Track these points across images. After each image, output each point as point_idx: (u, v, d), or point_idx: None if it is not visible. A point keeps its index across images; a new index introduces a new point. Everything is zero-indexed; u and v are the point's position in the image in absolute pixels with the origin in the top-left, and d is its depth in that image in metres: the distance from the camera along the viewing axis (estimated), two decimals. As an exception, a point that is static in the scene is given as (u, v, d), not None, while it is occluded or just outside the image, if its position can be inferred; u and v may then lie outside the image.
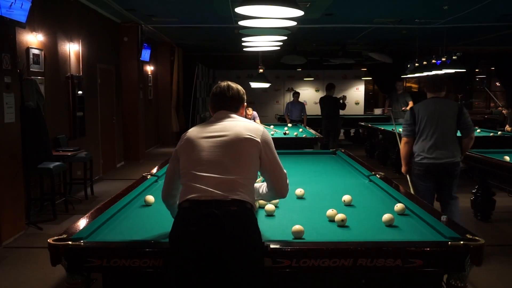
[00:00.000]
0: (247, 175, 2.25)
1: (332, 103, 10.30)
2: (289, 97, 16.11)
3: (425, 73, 10.86)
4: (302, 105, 11.13)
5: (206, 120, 11.88)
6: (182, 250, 2.10)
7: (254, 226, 2.16)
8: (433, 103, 4.64)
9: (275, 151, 2.41)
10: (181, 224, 2.15)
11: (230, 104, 2.46)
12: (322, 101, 10.58)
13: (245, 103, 2.57)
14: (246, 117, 10.17)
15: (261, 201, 2.98)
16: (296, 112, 11.02)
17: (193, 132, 2.39)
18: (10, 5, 4.84)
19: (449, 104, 4.67)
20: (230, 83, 2.52)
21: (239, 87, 2.54)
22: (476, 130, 8.83)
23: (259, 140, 2.30)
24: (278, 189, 2.44)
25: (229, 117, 2.41)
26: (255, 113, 11.09)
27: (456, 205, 4.62)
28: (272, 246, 2.18)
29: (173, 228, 2.18)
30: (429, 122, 4.53)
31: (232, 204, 2.13)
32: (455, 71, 10.10)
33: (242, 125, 2.35)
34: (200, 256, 2.07)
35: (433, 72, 10.37)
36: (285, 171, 2.45)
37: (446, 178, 4.56)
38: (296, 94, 11.36)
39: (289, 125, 9.74)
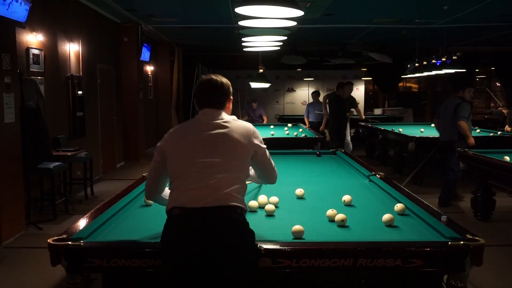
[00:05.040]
0: (238, 177, 2.23)
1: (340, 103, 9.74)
2: (289, 97, 16.14)
3: (425, 73, 10.87)
4: (316, 109, 10.52)
5: None
6: (174, 258, 2.09)
7: (245, 231, 2.14)
8: (446, 99, 6.84)
9: (266, 150, 2.45)
10: (172, 232, 2.12)
11: (218, 99, 2.38)
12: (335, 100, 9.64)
13: (231, 97, 2.48)
14: (251, 108, 9.94)
15: (261, 201, 2.98)
16: (311, 114, 10.64)
17: (181, 132, 2.35)
18: (8, 6, 4.84)
19: (453, 100, 6.54)
20: (215, 75, 2.43)
21: (226, 79, 2.45)
22: (476, 130, 8.84)
23: (251, 141, 2.32)
24: (269, 181, 2.65)
25: (218, 117, 2.34)
26: (262, 110, 11.02)
27: (448, 178, 6.48)
28: (270, 246, 2.18)
29: (164, 236, 2.15)
30: (441, 113, 6.75)
31: (222, 211, 2.10)
32: (455, 71, 10.10)
33: (232, 127, 2.31)
34: (192, 264, 2.06)
35: (434, 72, 10.38)
36: (274, 165, 2.58)
37: (444, 151, 6.62)
38: (314, 94, 10.94)
39: (289, 125, 9.72)
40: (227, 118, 2.36)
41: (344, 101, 9.27)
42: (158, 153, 2.34)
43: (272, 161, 2.55)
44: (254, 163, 2.45)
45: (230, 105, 2.46)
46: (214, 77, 2.42)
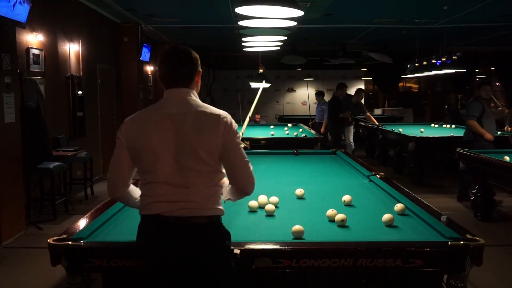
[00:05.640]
0: (214, 184, 2.09)
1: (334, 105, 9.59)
2: (289, 97, 16.13)
3: (425, 73, 10.86)
4: (323, 106, 10.63)
5: None
6: (153, 260, 2.06)
7: (221, 239, 2.07)
8: None
9: (239, 141, 2.13)
10: (149, 234, 2.06)
11: (186, 74, 2.12)
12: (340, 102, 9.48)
13: (200, 70, 2.20)
14: (254, 121, 9.90)
15: (261, 201, 2.98)
16: (316, 114, 10.85)
17: (147, 126, 2.07)
18: (13, 6, 4.84)
19: (470, 101, 6.73)
20: (181, 46, 2.18)
21: (192, 50, 2.16)
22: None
23: (221, 134, 2.05)
24: (240, 185, 2.15)
25: (188, 105, 2.09)
26: (264, 122, 11.23)
27: (462, 176, 6.50)
28: (270, 247, 2.18)
29: (140, 239, 2.09)
30: None
31: (199, 219, 2.02)
32: (455, 71, 10.10)
33: (204, 119, 2.06)
34: (171, 266, 2.03)
35: (434, 73, 10.38)
36: (250, 165, 2.16)
37: None
38: (316, 94, 11.13)
39: (289, 125, 9.72)
40: (198, 105, 2.10)
41: (341, 102, 9.29)
42: (121, 146, 2.13)
43: (250, 164, 2.15)
44: (224, 162, 2.11)
45: (199, 80, 2.20)
46: (180, 47, 2.15)
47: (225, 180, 2.21)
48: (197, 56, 2.18)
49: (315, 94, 11.36)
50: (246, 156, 2.14)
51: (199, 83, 2.22)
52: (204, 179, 2.06)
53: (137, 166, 2.13)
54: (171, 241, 2.02)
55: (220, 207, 2.12)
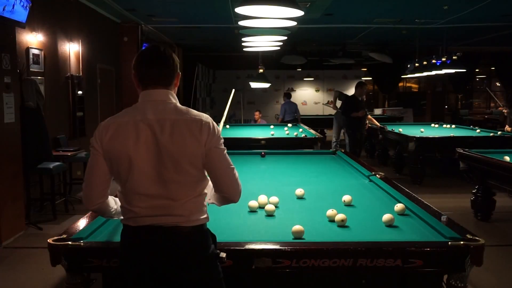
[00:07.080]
0: (196, 192, 1.97)
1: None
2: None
3: (425, 73, 10.87)
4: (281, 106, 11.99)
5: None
6: (136, 268, 1.97)
7: (206, 243, 1.99)
8: None
9: (223, 147, 2.00)
10: (132, 242, 1.98)
11: (166, 75, 2.01)
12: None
13: (179, 72, 2.08)
14: (254, 119, 10.13)
15: (261, 201, 2.98)
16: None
17: (121, 131, 1.96)
18: (12, 6, 4.84)
19: None
20: (160, 46, 2.06)
21: (170, 51, 2.06)
22: (476, 130, 8.85)
23: (203, 139, 1.92)
24: (226, 193, 2.02)
25: (167, 108, 1.97)
26: (264, 122, 11.53)
27: None
28: (270, 247, 2.18)
29: (123, 246, 2.02)
30: None
31: (182, 229, 1.93)
32: (455, 71, 10.11)
33: (183, 123, 1.93)
34: (155, 273, 1.95)
35: (434, 72, 10.38)
36: (235, 171, 2.02)
37: None
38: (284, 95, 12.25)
39: (289, 125, 9.72)
40: (177, 110, 1.98)
41: (357, 101, 9.14)
42: (96, 154, 2.05)
43: (235, 171, 2.02)
44: (207, 170, 1.99)
45: (178, 83, 2.08)
46: (160, 47, 2.04)
47: (210, 184, 2.08)
48: (177, 59, 2.09)
49: (284, 94, 12.42)
50: (231, 162, 2.01)
51: (178, 84, 2.10)
52: (187, 191, 1.94)
53: (114, 175, 2.01)
54: (155, 247, 1.93)
55: (205, 215, 2.01)
